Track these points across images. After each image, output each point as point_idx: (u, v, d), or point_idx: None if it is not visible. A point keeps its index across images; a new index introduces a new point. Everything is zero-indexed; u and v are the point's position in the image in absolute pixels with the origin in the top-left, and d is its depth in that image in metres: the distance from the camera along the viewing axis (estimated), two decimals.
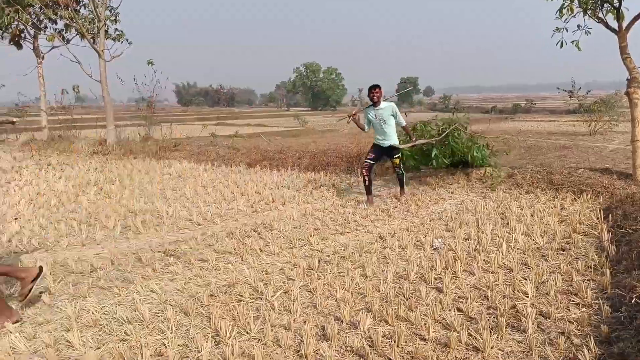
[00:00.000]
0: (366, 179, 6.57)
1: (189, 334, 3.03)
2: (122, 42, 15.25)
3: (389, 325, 3.07)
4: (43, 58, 16.32)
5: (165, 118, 20.84)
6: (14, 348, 2.87)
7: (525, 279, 3.73)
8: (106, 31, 14.48)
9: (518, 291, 3.51)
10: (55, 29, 15.77)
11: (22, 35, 15.82)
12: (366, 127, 6.77)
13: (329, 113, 62.19)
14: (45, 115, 16.69)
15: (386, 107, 6.56)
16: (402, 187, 6.99)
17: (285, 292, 3.61)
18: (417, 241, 4.86)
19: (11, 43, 15.84)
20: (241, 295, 3.56)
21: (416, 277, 3.87)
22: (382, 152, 6.75)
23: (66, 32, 15.62)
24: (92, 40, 14.12)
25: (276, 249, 4.65)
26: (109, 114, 14.44)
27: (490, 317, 3.16)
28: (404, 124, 6.88)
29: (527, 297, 3.42)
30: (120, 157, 11.92)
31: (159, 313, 3.35)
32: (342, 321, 3.13)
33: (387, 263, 4.23)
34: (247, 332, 3.01)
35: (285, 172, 9.48)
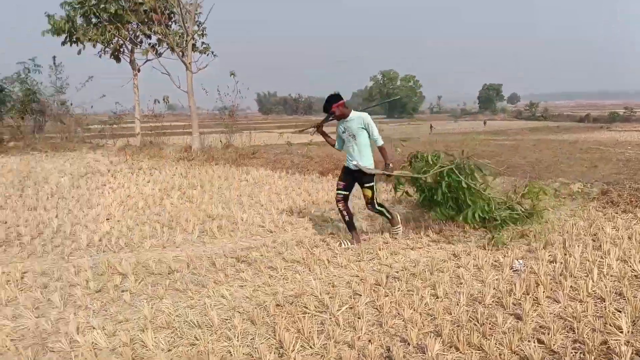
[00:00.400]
0: (344, 213, 5.22)
1: (254, 344, 3.06)
2: (207, 55, 16.16)
3: (460, 352, 2.88)
4: (138, 70, 17.76)
5: (247, 126, 21.73)
6: (96, 344, 3.08)
7: (620, 312, 3.33)
8: (194, 45, 15.42)
9: (610, 325, 3.14)
10: (149, 44, 17.13)
11: (121, 50, 17.34)
12: (337, 144, 5.36)
13: (405, 121, 61.25)
14: (138, 123, 18.11)
15: (356, 118, 5.06)
16: (389, 219, 5.42)
17: (351, 308, 3.54)
18: (495, 261, 4.55)
19: (111, 57, 17.43)
20: (306, 308, 3.55)
21: (492, 301, 3.61)
22: (353, 178, 5.25)
23: (158, 46, 16.90)
24: (181, 53, 15.11)
25: (344, 261, 4.59)
26: (194, 122, 15.33)
27: (576, 353, 2.85)
28: (381, 143, 5.08)
29: (622, 332, 3.04)
30: (203, 163, 12.56)
31: (227, 319, 3.43)
32: (408, 344, 2.99)
33: (461, 284, 4.00)
34: (311, 347, 2.98)
35: None
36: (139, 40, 17.11)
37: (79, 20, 16.30)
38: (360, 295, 3.75)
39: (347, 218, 5.23)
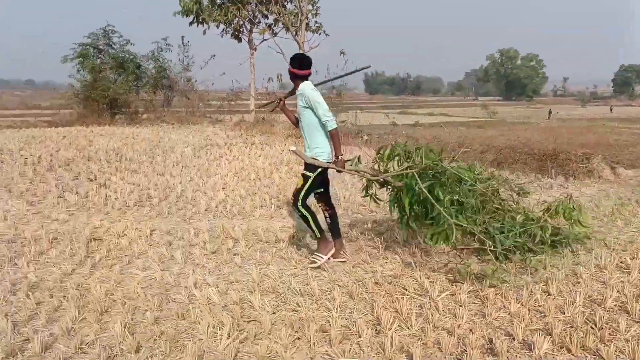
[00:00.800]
0: (325, 214, 4.26)
1: (352, 317, 3.14)
2: (319, 34, 16.43)
3: (572, 354, 2.67)
4: (255, 49, 18.68)
5: (352, 105, 21.91)
6: (210, 299, 3.39)
7: None
8: (307, 24, 15.75)
9: None
10: (266, 24, 17.88)
11: (241, 30, 18.35)
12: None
13: (523, 104, 56.51)
14: (253, 100, 19.14)
15: (299, 92, 4.00)
16: (314, 235, 4.19)
17: (452, 295, 3.44)
18: (621, 262, 4.08)
19: (232, 37, 18.53)
20: (405, 289, 3.53)
21: (614, 305, 3.26)
22: None
23: (274, 26, 17.57)
24: (294, 32, 15.54)
25: (446, 247, 4.45)
26: None
27: None
28: (331, 127, 3.86)
29: None
30: None
31: (327, 291, 3.55)
32: (514, 338, 2.84)
33: (578, 282, 3.66)
34: (408, 328, 2.97)
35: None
36: (257, 20, 17.96)
37: (205, 2, 17.53)
38: (463, 283, 3.62)
39: (328, 221, 4.22)
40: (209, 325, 3.00)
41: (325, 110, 3.87)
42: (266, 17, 17.79)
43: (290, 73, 4.06)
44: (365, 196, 4.48)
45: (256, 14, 17.85)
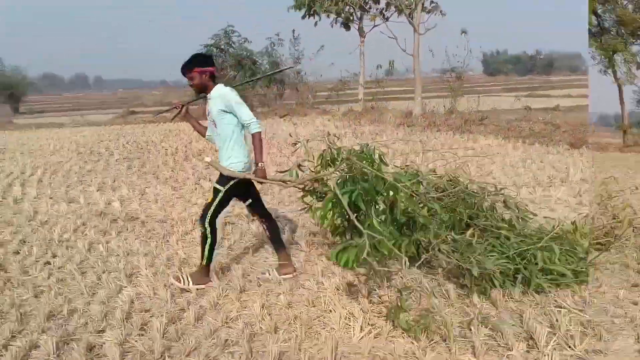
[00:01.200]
0: (263, 227, 3.75)
1: (496, 327, 2.80)
2: (435, 15, 15.54)
3: None
4: (364, 37, 18.42)
5: (470, 89, 20.36)
6: (338, 289, 3.30)
7: None
8: (422, 4, 14.98)
9: None
10: (377, 9, 17.48)
11: (351, 17, 18.21)
12: (209, 131, 3.64)
13: None
14: (362, 89, 18.94)
15: (216, 96, 3.41)
16: (202, 255, 3.53)
17: (625, 313, 2.92)
18: None
19: (341, 26, 18.47)
20: (561, 301, 3.07)
21: None
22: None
23: (386, 10, 17.09)
24: (409, 14, 14.94)
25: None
26: (417, 87, 15.15)
27: None
28: (255, 130, 3.34)
29: None
30: (424, 129, 12.34)
31: (463, 295, 3.25)
32: None
33: None
34: (570, 348, 2.56)
35: (630, 157, 7.87)
36: (367, 6, 17.65)
37: None
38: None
39: (267, 233, 3.74)
40: (340, 316, 2.93)
41: (249, 111, 3.39)
42: (377, 2, 17.39)
43: (200, 75, 3.40)
44: (304, 209, 4.11)
45: (367, 0, 17.54)
